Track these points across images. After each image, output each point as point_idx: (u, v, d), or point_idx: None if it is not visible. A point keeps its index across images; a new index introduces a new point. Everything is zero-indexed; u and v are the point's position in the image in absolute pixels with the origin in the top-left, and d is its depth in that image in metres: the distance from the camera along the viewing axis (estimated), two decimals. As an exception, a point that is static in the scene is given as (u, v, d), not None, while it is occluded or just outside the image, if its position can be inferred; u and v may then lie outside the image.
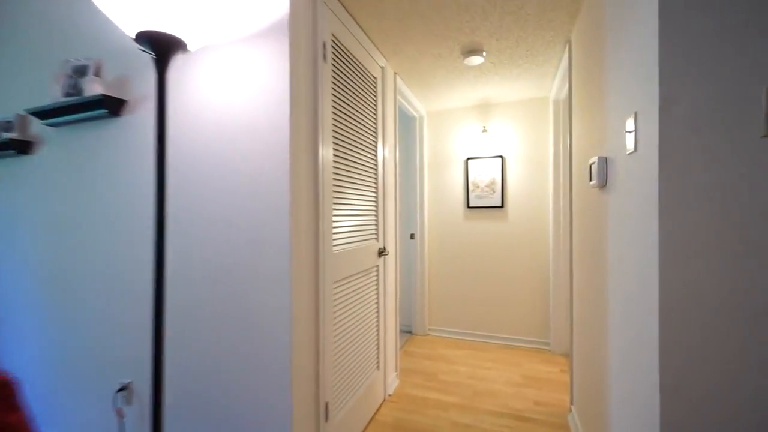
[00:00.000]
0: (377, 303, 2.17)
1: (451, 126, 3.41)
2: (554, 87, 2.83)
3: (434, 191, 3.47)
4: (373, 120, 2.12)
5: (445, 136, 3.43)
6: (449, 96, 3.06)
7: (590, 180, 1.49)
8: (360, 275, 1.93)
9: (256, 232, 1.33)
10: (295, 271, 1.32)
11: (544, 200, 3.12)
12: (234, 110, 1.37)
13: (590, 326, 1.63)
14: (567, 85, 2.60)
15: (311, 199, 1.46)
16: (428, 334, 3.47)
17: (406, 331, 3.57)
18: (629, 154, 1.08)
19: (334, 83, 1.66)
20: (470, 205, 3.32)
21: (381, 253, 2.16)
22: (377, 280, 2.16)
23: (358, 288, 1.91)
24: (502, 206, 3.22)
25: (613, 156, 1.25)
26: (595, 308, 1.52)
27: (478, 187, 3.30)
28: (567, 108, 2.95)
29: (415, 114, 3.34)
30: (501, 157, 3.22)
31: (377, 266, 2.15)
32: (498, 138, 3.25)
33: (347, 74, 1.79)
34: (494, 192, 3.25)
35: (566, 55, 2.18)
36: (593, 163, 1.42)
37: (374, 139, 2.13)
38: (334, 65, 1.66)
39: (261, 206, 1.33)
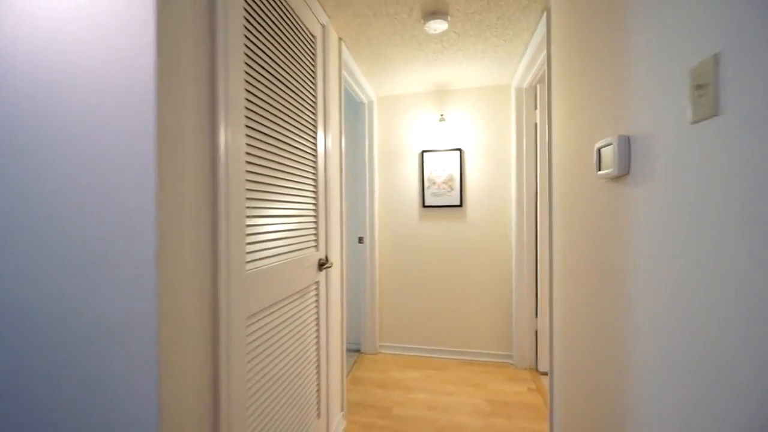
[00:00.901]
0: (317, 331, 1.66)
1: (404, 114, 2.99)
2: (518, 73, 2.54)
3: (386, 188, 3.03)
4: (312, 95, 1.61)
5: (398, 126, 3.01)
6: (404, 77, 2.64)
7: (599, 169, 1.13)
8: (291, 299, 1.42)
9: (91, 251, 0.77)
10: (165, 312, 0.78)
11: (506, 199, 2.83)
12: (56, 63, 0.79)
13: (595, 344, 1.29)
14: (533, 71, 2.31)
15: (204, 199, 0.92)
16: (379, 353, 3.03)
17: (354, 350, 3.10)
18: (694, 123, 0.71)
19: (249, 37, 1.13)
20: (426, 203, 2.94)
21: (322, 265, 1.66)
22: (317, 301, 1.66)
23: (290, 317, 1.40)
24: (460, 205, 2.88)
25: (647, 133, 0.89)
26: (604, 323, 1.18)
27: (434, 183, 2.93)
28: (531, 97, 2.67)
29: (363, 99, 2.87)
30: (459, 150, 2.87)
31: (317, 283, 1.65)
32: (456, 129, 2.90)
33: (271, 26, 1.27)
34: (452, 189, 2.90)
35: (541, 29, 1.86)
36: (605, 147, 1.07)
37: (313, 121, 1.62)
38: (249, 9, 1.13)
39: (101, 207, 0.77)
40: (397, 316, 3.01)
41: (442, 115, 2.86)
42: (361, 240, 2.97)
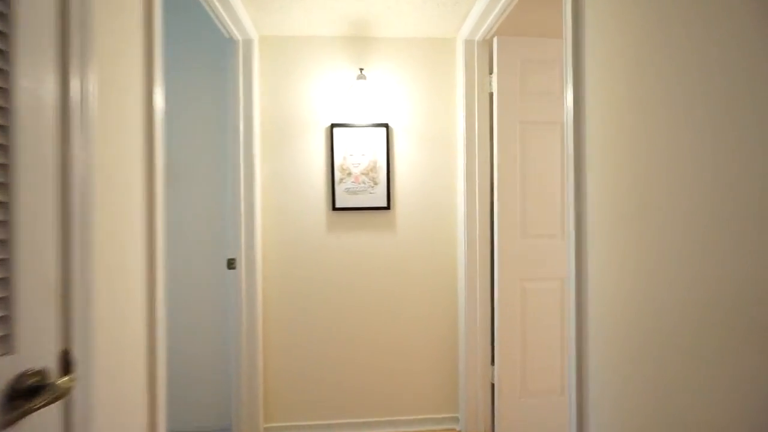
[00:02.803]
0: None
1: (304, 66, 1.96)
2: (469, 20, 1.75)
3: (274, 181, 1.94)
4: None
5: (293, 84, 1.95)
6: (304, 6, 1.62)
7: None
8: None
9: None
10: None
11: (451, 199, 2.01)
12: None
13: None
14: (492, 16, 1.55)
15: None
16: (263, 442, 1.90)
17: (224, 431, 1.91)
18: None
19: None
20: (337, 205, 1.95)
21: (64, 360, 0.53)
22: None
23: None
24: (388, 207, 1.96)
25: None
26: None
27: (349, 174, 1.95)
28: (485, 56, 1.91)
29: (235, 34, 1.75)
30: (386, 126, 1.96)
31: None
32: (382, 95, 1.98)
33: None
34: (376, 183, 1.96)
35: None
36: None
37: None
38: None
39: None
40: (293, 380, 1.94)
41: (361, 70, 1.90)
42: (231, 264, 1.81)
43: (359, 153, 1.95)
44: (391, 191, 1.98)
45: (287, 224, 1.94)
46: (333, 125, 1.93)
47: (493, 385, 1.93)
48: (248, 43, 1.84)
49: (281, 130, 1.94)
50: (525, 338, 1.87)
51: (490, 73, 1.91)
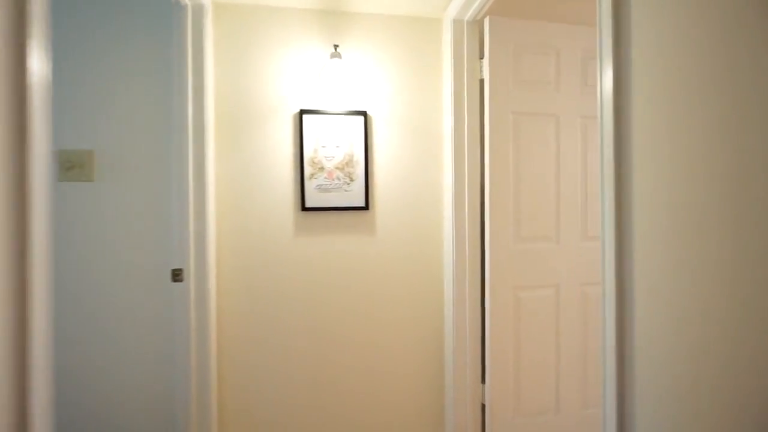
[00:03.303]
0: None
1: (269, 41, 1.67)
2: (463, -11, 1.54)
3: (232, 177, 1.64)
4: None
5: (255, 62, 1.66)
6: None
7: None
8: None
9: None
10: None
11: (437, 198, 1.80)
12: None
13: None
14: None
15: None
16: (217, 486, 1.60)
17: (164, 490, 1.58)
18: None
19: None
20: (307, 204, 1.68)
21: None
22: None
23: None
24: (366, 207, 1.72)
25: None
26: None
27: (322, 169, 1.69)
28: (475, 38, 1.71)
29: (180, -8, 1.44)
30: (364, 114, 1.71)
31: None
32: (359, 78, 1.73)
33: None
34: (353, 180, 1.71)
35: None
36: None
37: None
38: None
39: None
40: (255, 409, 1.64)
41: (336, 47, 1.64)
42: (177, 275, 1.50)
43: (333, 144, 1.69)
44: (369, 189, 1.73)
45: (247, 228, 1.64)
46: (302, 112, 1.66)
47: (483, 406, 1.73)
48: (199, 8, 1.53)
49: (241, 116, 1.64)
50: (519, 353, 1.68)
51: (481, 57, 1.71)
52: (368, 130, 1.73)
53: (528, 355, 1.69)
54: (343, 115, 1.69)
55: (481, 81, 1.71)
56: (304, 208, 1.67)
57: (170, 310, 1.55)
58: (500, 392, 1.66)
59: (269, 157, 1.66)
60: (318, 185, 1.68)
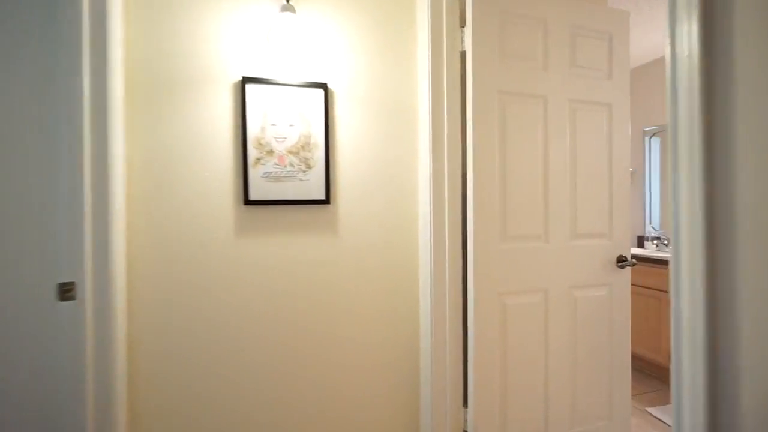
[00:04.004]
0: None
1: (196, -15, 1.30)
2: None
3: (148, 163, 1.25)
4: None
5: (181, 15, 1.28)
6: None
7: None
8: None
9: None
10: None
11: (412, 189, 1.53)
12: None
13: None
14: None
15: None
16: None
17: None
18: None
19: None
20: (252, 197, 1.33)
21: None
22: None
23: None
24: (327, 200, 1.41)
25: None
26: None
27: (271, 152, 1.35)
28: (455, 1, 1.46)
29: None
30: (324, 87, 1.40)
31: None
32: (318, 42, 1.42)
33: None
34: (310, 167, 1.39)
35: None
36: None
37: None
38: None
39: None
40: (181, 463, 1.27)
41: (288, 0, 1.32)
42: (66, 292, 1.08)
43: (285, 123, 1.36)
44: (331, 178, 1.42)
45: (171, 228, 1.27)
46: (246, 80, 1.31)
47: (465, 432, 1.49)
48: (98, -68, 1.13)
49: (163, 86, 1.26)
50: (506, 370, 1.46)
51: (462, 25, 1.46)
52: (329, 107, 1.42)
53: (515, 371, 1.47)
54: (298, 87, 1.37)
55: (463, 54, 1.46)
56: (247, 202, 1.32)
57: (55, 339, 1.13)
58: (485, 416, 1.43)
59: (201, 137, 1.30)
60: (266, 173, 1.34)
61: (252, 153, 1.32)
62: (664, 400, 2.26)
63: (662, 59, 2.93)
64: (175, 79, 1.27)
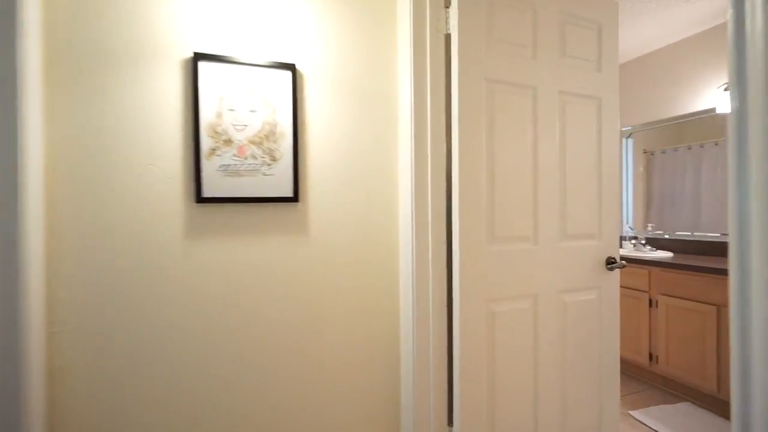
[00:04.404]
0: None
1: (136, -59, 1.10)
2: None
3: (76, 152, 1.04)
4: None
5: (114, -29, 1.07)
6: None
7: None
8: None
9: None
10: None
11: (391, 186, 1.38)
12: None
13: None
14: None
15: None
16: None
17: None
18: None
19: None
20: (205, 193, 1.14)
21: None
22: None
23: None
24: (295, 198, 1.23)
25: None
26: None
27: (229, 142, 1.16)
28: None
29: None
30: (292, 68, 1.22)
31: None
32: (285, 17, 1.24)
33: None
34: (275, 159, 1.21)
35: None
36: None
37: None
38: None
39: None
40: None
41: (248, -37, 1.13)
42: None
43: (246, 108, 1.18)
44: (300, 172, 1.25)
45: (104, 231, 1.06)
46: (198, 57, 1.12)
47: (450, 453, 1.36)
48: None
49: (94, 58, 1.05)
50: (494, 385, 1.34)
51: (447, 6, 1.33)
52: (298, 92, 1.25)
53: (504, 385, 1.36)
54: (262, 68, 1.19)
55: (447, 36, 1.33)
56: (200, 199, 1.13)
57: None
58: (472, 435, 1.30)
59: (142, 122, 1.09)
60: (223, 166, 1.15)
61: (206, 142, 1.13)
62: (645, 402, 2.23)
63: (635, 60, 2.93)
64: (110, 51, 1.06)
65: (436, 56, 1.31)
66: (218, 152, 1.14)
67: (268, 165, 1.20)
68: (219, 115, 1.14)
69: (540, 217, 1.41)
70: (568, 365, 1.47)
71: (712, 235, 2.48)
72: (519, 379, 1.37)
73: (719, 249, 2.43)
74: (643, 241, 2.72)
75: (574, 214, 1.47)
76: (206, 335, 1.14)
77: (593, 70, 1.53)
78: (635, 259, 2.44)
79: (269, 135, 1.20)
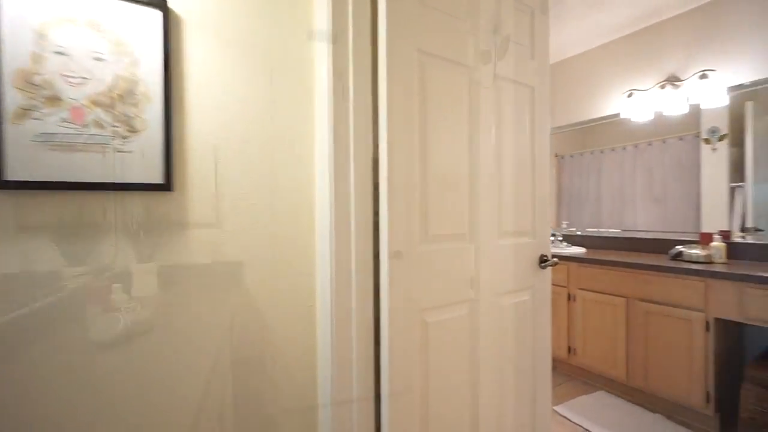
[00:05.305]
0: None
1: None
2: None
3: None
4: None
5: None
6: None
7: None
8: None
9: None
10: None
11: (305, 173, 1.10)
12: None
13: None
14: None
15: None
16: None
17: None
18: None
19: None
20: (9, 175, 0.75)
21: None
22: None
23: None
24: (167, 185, 0.89)
25: None
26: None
27: (56, 100, 0.78)
28: None
29: None
30: (163, 6, 0.88)
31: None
32: (149, -67, 0.89)
33: None
34: (135, 130, 0.86)
35: None
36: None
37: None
38: None
39: None
40: None
41: None
42: None
43: (87, 53, 0.81)
44: (175, 151, 0.92)
45: None
46: (-3, -35, 0.73)
47: (378, 495, 1.13)
48: None
49: None
50: (427, 411, 1.15)
51: (373, -43, 1.10)
52: (173, 41, 0.91)
53: (439, 411, 1.17)
54: (112, -2, 0.83)
55: (374, -7, 1.10)
56: (4, 183, 0.74)
57: None
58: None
59: None
60: (45, 134, 0.77)
61: (13, 98, 0.75)
62: (566, 394, 2.27)
63: (558, 63, 3.06)
64: None
65: (359, 14, 1.07)
66: (36, 114, 0.76)
67: (124, 138, 0.84)
68: (37, 58, 0.76)
69: (476, 214, 1.26)
70: (506, 371, 1.34)
71: (614, 231, 2.69)
72: (457, 402, 1.20)
73: (619, 243, 2.64)
74: (560, 238, 2.82)
75: (509, 210, 1.36)
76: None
77: (527, 57, 1.43)
78: (556, 255, 2.50)
79: (125, 95, 0.85)
